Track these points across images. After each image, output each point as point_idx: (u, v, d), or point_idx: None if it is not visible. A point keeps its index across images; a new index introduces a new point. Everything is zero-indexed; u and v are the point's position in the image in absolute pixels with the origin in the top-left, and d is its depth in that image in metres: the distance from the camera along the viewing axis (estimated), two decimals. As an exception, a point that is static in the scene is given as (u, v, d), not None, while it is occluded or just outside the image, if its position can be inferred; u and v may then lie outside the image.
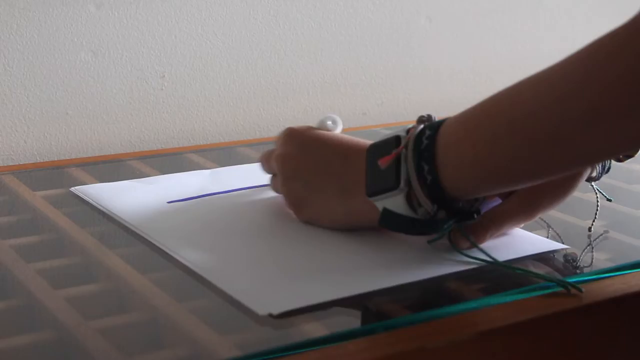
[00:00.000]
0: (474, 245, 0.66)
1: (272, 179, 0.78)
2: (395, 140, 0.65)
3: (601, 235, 0.75)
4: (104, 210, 0.79)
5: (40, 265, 0.68)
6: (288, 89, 1.16)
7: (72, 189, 0.85)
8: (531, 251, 0.69)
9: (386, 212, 0.64)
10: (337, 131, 0.75)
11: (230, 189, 0.84)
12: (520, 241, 0.71)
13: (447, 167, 0.62)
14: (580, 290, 0.61)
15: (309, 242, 0.71)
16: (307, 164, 0.72)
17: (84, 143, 1.04)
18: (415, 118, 1.21)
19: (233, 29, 1.11)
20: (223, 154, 1.01)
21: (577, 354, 0.62)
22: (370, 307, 0.60)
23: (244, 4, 1.11)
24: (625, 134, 0.56)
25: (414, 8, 1.24)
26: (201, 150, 1.02)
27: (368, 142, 0.69)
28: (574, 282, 0.63)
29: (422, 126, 0.64)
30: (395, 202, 0.64)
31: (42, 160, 1.01)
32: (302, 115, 1.17)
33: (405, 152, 0.63)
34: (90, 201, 0.81)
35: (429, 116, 0.66)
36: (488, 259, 0.65)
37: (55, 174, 0.92)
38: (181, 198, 0.81)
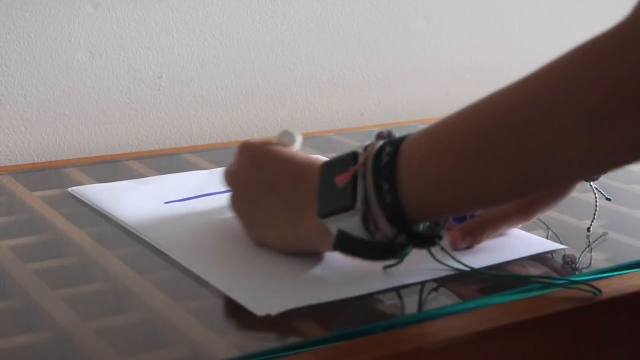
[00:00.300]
0: (446, 251, 0.63)
1: (229, 195, 0.72)
2: (352, 157, 0.61)
3: (600, 237, 0.75)
4: (102, 210, 0.78)
5: (38, 265, 0.68)
6: (285, 89, 1.16)
7: (70, 189, 0.84)
8: (529, 252, 0.69)
9: (341, 235, 0.59)
10: (295, 147, 0.69)
11: (227, 189, 0.84)
12: (518, 242, 0.71)
13: (409, 186, 0.57)
14: (595, 292, 0.61)
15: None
16: (256, 182, 0.67)
17: (81, 143, 1.04)
18: (413, 118, 1.21)
19: (230, 29, 1.11)
20: (220, 155, 1.00)
21: (576, 354, 0.62)
22: (368, 307, 0.60)
23: (241, 4, 1.11)
24: (610, 143, 0.51)
25: (411, 8, 1.24)
26: (198, 150, 1.02)
27: (322, 160, 0.65)
28: (570, 281, 0.63)
29: (381, 142, 0.60)
30: (350, 224, 0.59)
31: (39, 161, 1.01)
32: (299, 115, 1.17)
33: (364, 169, 0.59)
34: (88, 202, 0.81)
35: (389, 132, 0.62)
36: (463, 267, 0.63)
37: (53, 175, 0.92)
38: (178, 198, 0.81)
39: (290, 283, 0.63)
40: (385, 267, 0.63)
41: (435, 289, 0.63)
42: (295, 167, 0.65)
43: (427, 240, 0.60)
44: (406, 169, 0.57)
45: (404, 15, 1.23)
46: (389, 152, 0.58)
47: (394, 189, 0.57)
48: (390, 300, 0.61)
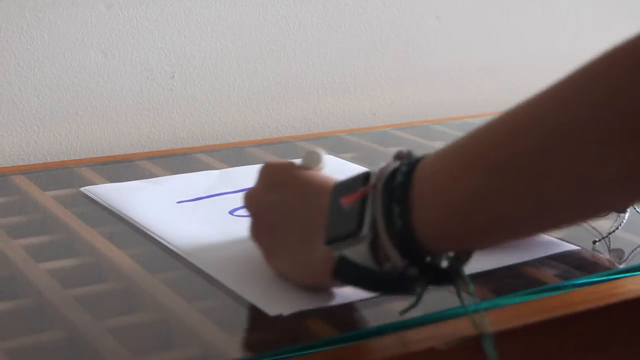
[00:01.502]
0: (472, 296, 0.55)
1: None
2: (364, 177, 0.53)
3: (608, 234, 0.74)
4: (114, 210, 0.79)
5: (51, 265, 0.68)
6: (297, 89, 1.16)
7: (82, 189, 0.85)
8: (543, 253, 0.69)
9: (343, 262, 0.53)
10: (321, 169, 0.62)
11: (239, 189, 0.84)
12: (532, 243, 0.71)
13: (423, 210, 0.49)
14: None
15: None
16: (273, 204, 0.61)
17: (93, 143, 1.04)
18: (425, 118, 1.21)
19: (242, 29, 1.11)
20: (232, 154, 1.01)
21: (588, 355, 0.62)
22: (380, 308, 0.60)
23: (253, 4, 1.11)
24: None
25: (423, 8, 1.24)
26: (210, 150, 1.02)
27: (334, 178, 0.59)
28: (585, 282, 0.62)
29: (398, 163, 0.52)
30: (356, 252, 0.52)
31: (52, 161, 1.01)
32: (311, 115, 1.17)
33: (374, 191, 0.51)
34: (100, 201, 0.81)
35: (409, 152, 0.53)
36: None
37: (65, 174, 0.93)
38: (190, 198, 0.81)
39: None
40: (401, 312, 0.54)
41: (447, 290, 0.63)
42: (308, 188, 0.59)
43: (443, 277, 0.52)
44: (421, 191, 0.50)
45: (416, 15, 1.23)
46: (404, 172, 0.51)
47: (406, 214, 0.49)
48: (402, 301, 0.61)
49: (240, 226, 0.74)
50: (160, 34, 1.05)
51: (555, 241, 0.71)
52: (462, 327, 0.57)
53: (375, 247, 0.51)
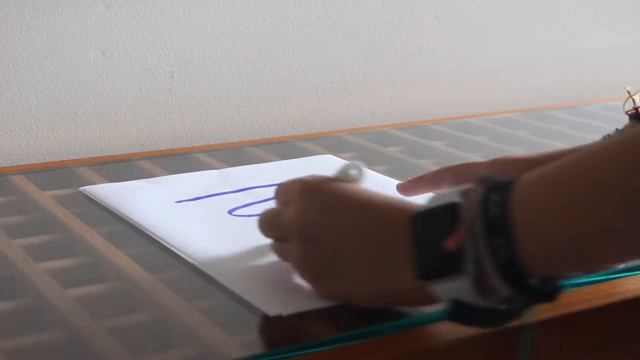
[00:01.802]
0: None
1: (278, 244, 0.63)
2: (451, 209, 0.51)
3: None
4: (113, 210, 0.79)
5: (50, 265, 0.68)
6: (297, 89, 1.16)
7: (81, 188, 0.85)
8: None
9: (456, 305, 0.51)
10: (361, 182, 0.61)
11: (238, 189, 0.84)
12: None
13: (527, 240, 0.48)
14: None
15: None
16: (332, 227, 0.58)
17: (93, 143, 1.04)
18: (424, 118, 1.21)
19: (242, 29, 1.11)
20: (231, 154, 1.00)
21: (587, 354, 0.62)
22: (379, 308, 0.60)
23: (252, 4, 1.11)
24: None
25: (422, 8, 1.24)
26: (210, 150, 1.02)
27: (405, 203, 0.57)
28: (583, 282, 0.62)
29: (483, 190, 0.51)
30: (459, 288, 0.51)
31: (51, 160, 1.01)
32: (310, 115, 1.17)
33: (472, 225, 0.50)
34: (99, 201, 0.81)
35: (490, 176, 0.52)
36: None
37: (64, 174, 0.93)
38: (190, 198, 0.81)
39: (302, 284, 0.63)
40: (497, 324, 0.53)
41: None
42: (381, 213, 0.57)
43: (545, 297, 0.52)
44: (523, 221, 0.49)
45: (416, 15, 1.23)
46: (497, 202, 0.49)
47: (511, 246, 0.48)
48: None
49: (240, 226, 0.74)
50: (160, 34, 1.05)
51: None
52: (460, 327, 0.57)
53: (477, 280, 0.50)
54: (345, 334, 0.55)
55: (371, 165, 0.94)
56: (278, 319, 0.57)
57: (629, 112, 0.78)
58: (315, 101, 1.18)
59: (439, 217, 0.52)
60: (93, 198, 0.82)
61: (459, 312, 0.52)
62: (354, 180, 0.60)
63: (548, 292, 0.51)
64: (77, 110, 1.03)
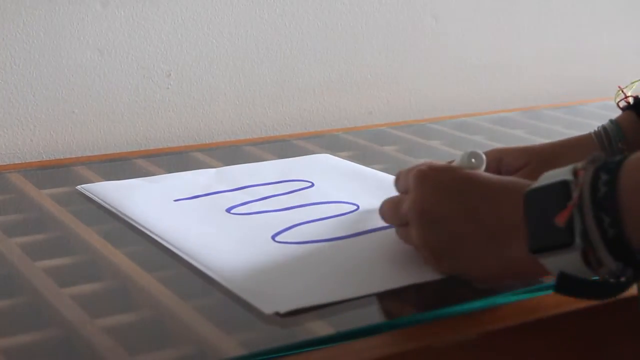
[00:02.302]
0: None
1: (402, 229, 0.67)
2: (562, 186, 0.54)
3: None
4: (110, 208, 0.79)
5: (47, 263, 0.68)
6: (294, 87, 1.16)
7: (79, 187, 0.85)
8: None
9: (564, 277, 0.54)
10: (482, 169, 0.64)
11: (236, 187, 0.84)
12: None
13: (634, 217, 0.51)
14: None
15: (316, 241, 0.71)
16: (449, 210, 0.61)
17: (90, 141, 1.04)
18: (421, 117, 1.21)
19: (239, 27, 1.11)
20: (228, 153, 1.01)
21: (586, 354, 0.62)
22: (377, 306, 0.60)
23: (250, 2, 1.11)
24: None
25: (419, 7, 1.24)
26: (207, 148, 1.02)
27: (519, 182, 0.60)
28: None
29: (593, 169, 0.53)
30: (568, 261, 0.54)
31: (48, 159, 1.01)
32: (307, 113, 1.17)
33: (580, 201, 0.53)
34: (96, 199, 0.81)
35: (599, 156, 0.55)
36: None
37: (62, 172, 0.93)
38: (188, 196, 0.81)
39: (298, 281, 0.63)
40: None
41: (444, 288, 0.63)
42: (495, 193, 0.60)
43: None
44: (631, 198, 0.51)
45: (413, 14, 1.23)
46: (606, 181, 0.52)
47: (618, 222, 0.52)
48: (399, 299, 0.61)
49: (237, 224, 0.74)
50: (157, 33, 1.05)
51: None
52: (458, 326, 0.57)
53: (586, 254, 0.53)
54: (342, 332, 0.55)
55: (368, 164, 0.94)
56: (275, 317, 0.57)
57: (619, 102, 0.80)
58: (312, 100, 1.18)
59: (550, 194, 0.55)
60: (90, 196, 0.82)
61: (567, 284, 0.54)
62: (474, 167, 0.64)
63: None
64: (74, 109, 1.03)
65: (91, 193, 0.83)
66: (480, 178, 0.62)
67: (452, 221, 0.61)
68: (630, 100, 0.81)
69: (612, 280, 0.53)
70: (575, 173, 0.54)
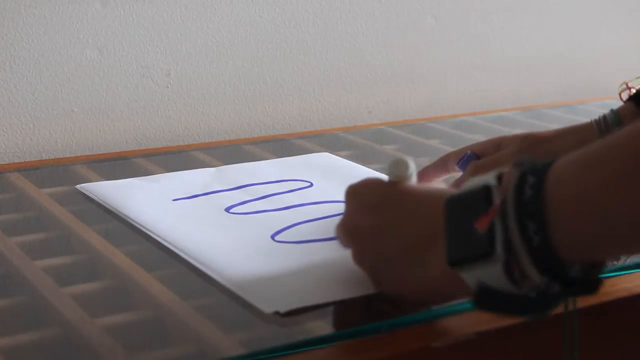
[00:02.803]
0: None
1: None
2: (484, 192, 0.50)
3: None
4: (110, 208, 0.78)
5: (46, 262, 0.68)
6: (293, 86, 1.16)
7: (78, 186, 0.85)
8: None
9: (483, 291, 0.49)
10: (411, 178, 0.60)
11: (235, 186, 0.84)
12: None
13: (563, 224, 0.46)
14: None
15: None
16: (370, 226, 0.58)
17: (89, 140, 1.04)
18: (421, 116, 1.21)
19: (239, 26, 1.11)
20: (228, 152, 1.00)
21: (582, 354, 0.62)
22: (376, 306, 0.60)
23: (249, 1, 1.11)
24: None
25: (419, 7, 1.24)
26: (206, 147, 1.02)
27: (445, 191, 0.56)
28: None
29: (518, 173, 0.49)
30: (488, 274, 0.49)
31: (47, 158, 1.01)
32: (307, 113, 1.17)
33: (503, 207, 0.48)
34: (96, 199, 0.81)
35: (527, 160, 0.50)
36: None
37: (61, 172, 0.92)
38: (186, 196, 0.81)
39: (298, 281, 0.63)
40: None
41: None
42: (416, 204, 0.56)
43: (585, 288, 0.50)
44: (559, 203, 0.46)
45: (413, 13, 1.23)
46: (532, 184, 0.48)
47: (543, 229, 0.47)
48: (397, 299, 0.61)
49: (236, 224, 0.74)
50: (156, 32, 1.05)
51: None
52: (457, 326, 0.57)
53: (508, 266, 0.48)
54: (342, 332, 0.55)
55: (367, 163, 0.94)
56: (275, 316, 0.57)
57: (621, 93, 0.80)
58: (311, 99, 1.18)
59: (472, 199, 0.51)
60: (89, 195, 0.82)
61: (487, 298, 0.49)
62: (401, 176, 0.59)
63: (586, 282, 0.49)
64: (74, 108, 1.02)
65: (91, 192, 0.83)
66: (403, 189, 0.58)
67: (374, 236, 0.58)
68: (633, 91, 0.81)
69: (536, 296, 0.49)
70: (499, 178, 0.50)
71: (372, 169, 0.91)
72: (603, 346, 0.63)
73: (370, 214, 0.58)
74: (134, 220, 0.75)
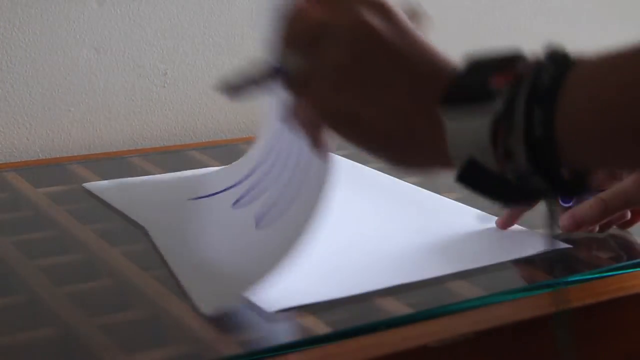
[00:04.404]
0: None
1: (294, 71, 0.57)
2: (512, 57, 0.51)
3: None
4: (108, 207, 0.78)
5: (43, 262, 0.68)
6: (290, 86, 1.16)
7: (85, 184, 0.84)
8: (534, 250, 0.69)
9: (471, 165, 0.46)
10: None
11: (238, 180, 0.84)
12: (524, 240, 0.71)
13: (569, 125, 0.44)
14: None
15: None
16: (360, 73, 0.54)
17: (86, 140, 1.04)
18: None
19: (235, 25, 1.10)
20: (225, 152, 1.00)
21: (579, 354, 0.62)
22: (374, 304, 0.60)
23: (246, 1, 1.10)
24: None
25: (418, 7, 1.23)
26: (203, 147, 1.02)
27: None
28: (577, 280, 0.62)
29: (544, 57, 0.49)
30: (472, 130, 0.46)
31: (44, 157, 1.01)
32: (304, 112, 1.17)
33: (518, 81, 0.47)
34: (104, 198, 0.80)
35: (559, 50, 0.49)
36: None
37: (58, 171, 0.92)
38: (187, 196, 0.81)
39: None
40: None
41: (441, 287, 0.63)
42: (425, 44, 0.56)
43: (572, 188, 0.46)
44: (574, 97, 0.44)
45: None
46: (552, 76, 0.46)
47: (550, 123, 0.44)
48: (396, 298, 0.61)
49: (242, 222, 0.74)
50: (153, 31, 1.05)
51: (547, 239, 0.71)
52: (454, 325, 0.57)
53: (496, 130, 0.45)
54: (339, 331, 0.55)
55: (366, 163, 0.94)
56: (272, 315, 0.57)
57: None
58: (309, 99, 1.17)
59: (495, 59, 0.51)
60: (96, 194, 0.82)
61: (471, 173, 0.47)
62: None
63: (577, 185, 0.46)
64: (71, 107, 1.02)
65: (95, 191, 0.82)
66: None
67: (364, 81, 0.54)
68: None
69: (514, 180, 0.45)
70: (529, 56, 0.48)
71: (371, 168, 0.91)
72: (599, 346, 0.63)
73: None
74: (131, 220, 0.74)
